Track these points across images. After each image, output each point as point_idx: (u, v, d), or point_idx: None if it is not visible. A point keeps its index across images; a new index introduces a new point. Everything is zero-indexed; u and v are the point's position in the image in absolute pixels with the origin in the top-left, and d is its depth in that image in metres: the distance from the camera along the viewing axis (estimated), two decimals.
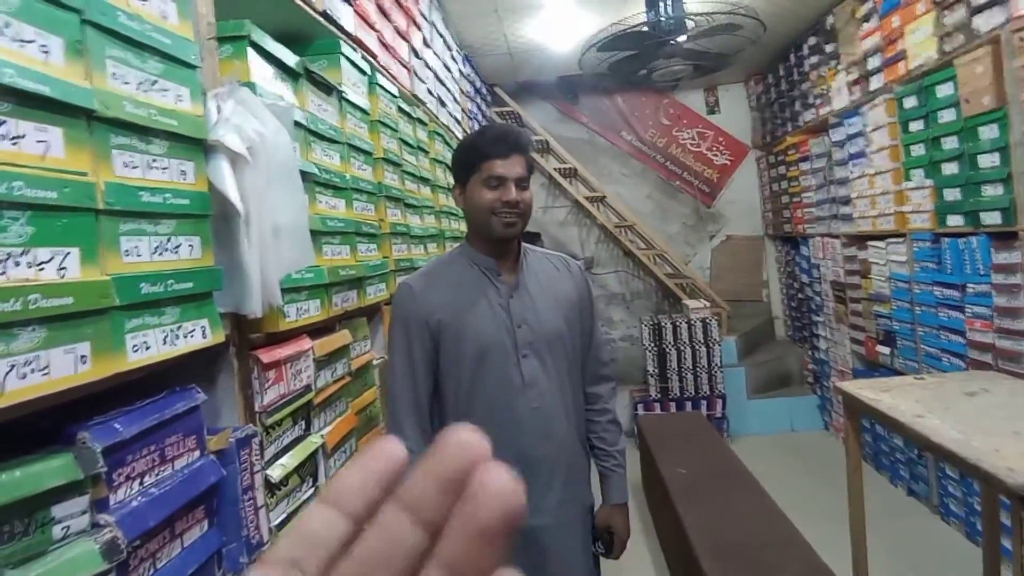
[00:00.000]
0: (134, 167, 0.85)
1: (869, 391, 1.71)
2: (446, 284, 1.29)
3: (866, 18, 3.29)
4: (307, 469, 1.22)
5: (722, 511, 2.28)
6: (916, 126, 2.88)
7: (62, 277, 0.70)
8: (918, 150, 2.88)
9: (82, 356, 0.71)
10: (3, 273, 0.62)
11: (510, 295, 1.29)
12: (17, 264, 0.64)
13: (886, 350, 3.32)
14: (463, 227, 2.96)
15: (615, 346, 5.32)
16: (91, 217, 0.75)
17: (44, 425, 0.71)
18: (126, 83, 0.84)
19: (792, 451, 4.02)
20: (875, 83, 3.25)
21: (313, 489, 1.24)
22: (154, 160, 0.88)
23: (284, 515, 1.12)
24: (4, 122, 0.65)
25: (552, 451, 1.28)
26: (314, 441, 1.25)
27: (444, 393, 1.27)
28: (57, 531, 0.66)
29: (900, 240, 3.10)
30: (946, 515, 2.87)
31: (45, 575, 0.62)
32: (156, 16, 0.92)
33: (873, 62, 3.24)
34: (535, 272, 1.35)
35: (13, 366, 0.62)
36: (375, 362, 1.68)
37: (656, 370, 4.33)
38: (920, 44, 2.79)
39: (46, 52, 0.71)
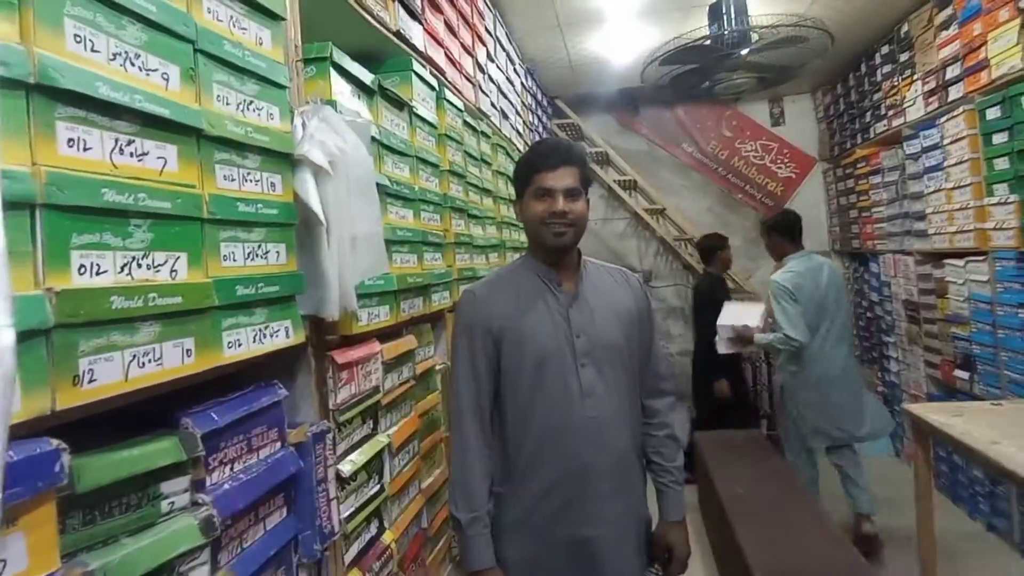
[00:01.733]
0: (232, 180, 0.93)
1: (940, 415, 1.63)
2: (508, 292, 1.33)
3: (944, 26, 3.15)
4: (374, 466, 1.29)
5: (782, 534, 2.21)
6: (1000, 138, 2.73)
7: (173, 278, 0.78)
8: (1002, 164, 2.72)
9: (187, 350, 0.79)
10: (129, 274, 0.71)
11: (569, 305, 1.32)
12: (139, 266, 0.73)
13: (965, 375, 3.13)
14: (523, 237, 3.01)
15: (673, 360, 5.23)
16: (197, 225, 0.84)
17: (148, 410, 0.79)
18: (228, 104, 0.93)
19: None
20: (954, 93, 3.11)
21: (379, 487, 1.30)
22: (249, 173, 0.97)
23: (352, 508, 1.18)
24: (133, 141, 0.74)
25: (608, 461, 1.29)
26: (381, 440, 1.31)
27: (504, 399, 1.30)
28: (164, 506, 0.74)
29: (981, 258, 2.93)
30: None
31: (154, 545, 0.69)
32: (253, 42, 1.01)
33: (952, 71, 3.10)
34: (594, 283, 1.37)
35: (135, 356, 0.70)
36: (438, 367, 1.74)
37: None
38: (1004, 52, 2.65)
39: (166, 79, 0.80)
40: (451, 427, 1.32)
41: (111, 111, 0.71)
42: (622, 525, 1.31)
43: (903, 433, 3.94)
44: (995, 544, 2.86)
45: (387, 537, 1.30)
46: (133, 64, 0.75)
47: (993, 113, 2.75)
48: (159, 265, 0.76)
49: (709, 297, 3.60)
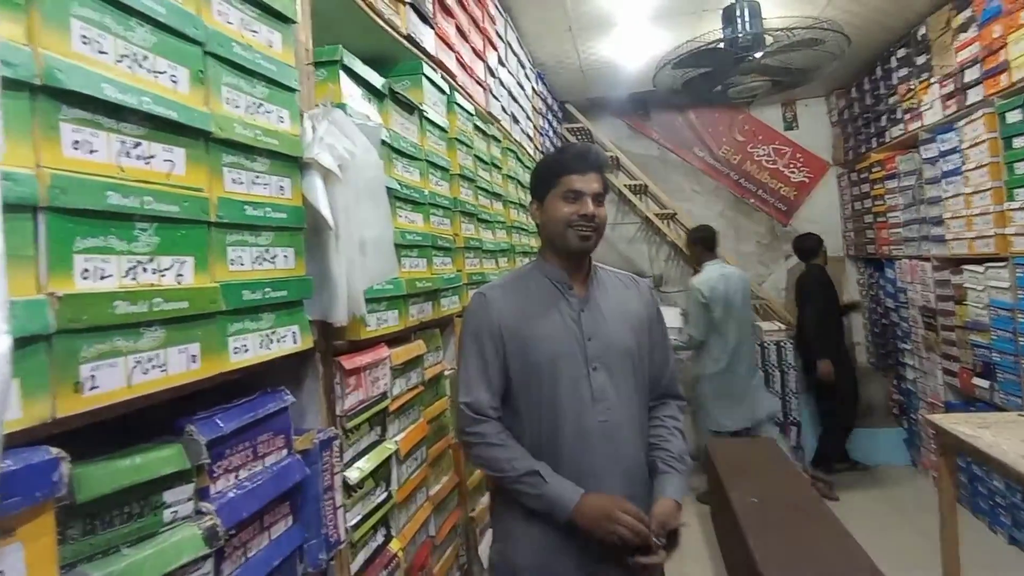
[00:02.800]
0: (240, 183, 0.92)
1: (966, 426, 1.58)
2: (519, 295, 1.32)
3: (963, 28, 3.10)
4: (381, 473, 1.27)
5: (797, 546, 2.16)
6: (1021, 142, 2.68)
7: (179, 283, 0.77)
8: (1022, 168, 2.67)
9: (193, 355, 0.78)
10: (134, 278, 0.69)
11: (581, 309, 1.31)
12: (145, 270, 0.71)
13: (984, 383, 3.07)
14: (533, 242, 2.99)
15: (684, 366, 5.18)
16: (204, 229, 0.82)
17: (150, 417, 0.78)
18: (237, 107, 0.92)
19: (874, 486, 3.77)
20: (973, 96, 3.05)
21: (386, 494, 1.28)
22: (257, 177, 0.96)
23: (359, 516, 1.17)
24: (140, 144, 0.73)
25: (617, 465, 1.28)
26: (389, 447, 1.30)
27: (514, 403, 1.29)
28: (167, 515, 0.72)
29: (1002, 264, 2.87)
30: None
31: (156, 555, 0.68)
32: (264, 45, 1.00)
33: (971, 74, 3.04)
34: (605, 288, 1.37)
35: (139, 362, 0.68)
36: (446, 372, 1.72)
37: None
38: None
39: (175, 81, 0.80)
40: (461, 426, 1.29)
41: (118, 113, 0.70)
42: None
43: (920, 442, 3.87)
44: (1019, 557, 2.79)
45: (394, 545, 1.28)
46: (141, 66, 0.75)
47: (1014, 116, 2.70)
48: (165, 269, 0.75)
49: (822, 282, 3.85)
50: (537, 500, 1.20)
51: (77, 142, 0.65)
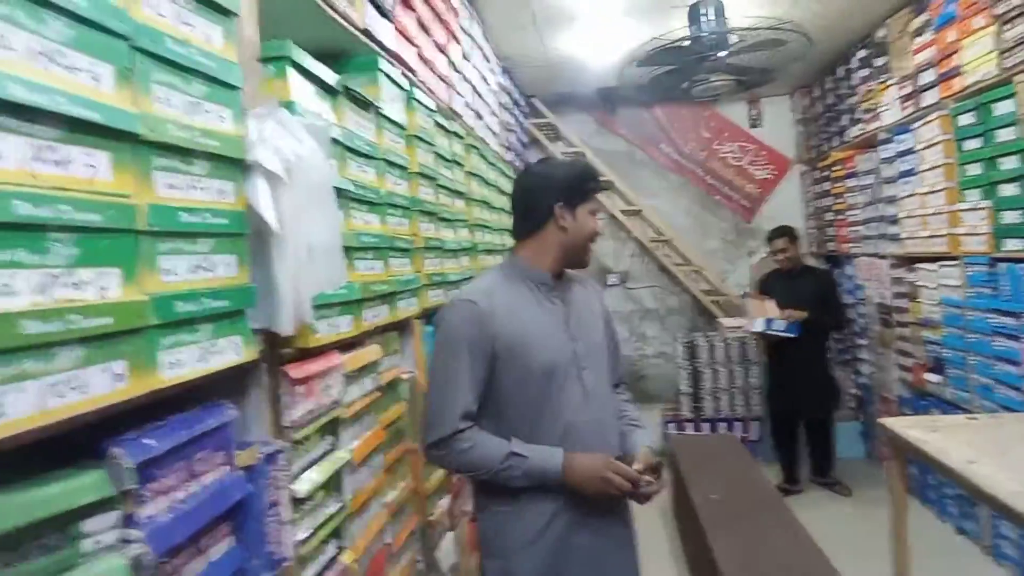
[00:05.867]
0: (176, 188, 0.87)
1: (916, 430, 1.62)
2: (509, 302, 1.31)
3: (919, 31, 3.18)
4: (333, 484, 1.23)
5: (754, 541, 2.20)
6: (972, 144, 2.75)
7: (103, 297, 0.72)
8: (974, 169, 2.75)
9: (118, 374, 0.73)
10: (47, 294, 0.64)
11: (567, 312, 1.36)
12: (61, 285, 0.66)
13: (935, 378, 3.17)
14: (496, 240, 2.96)
15: (648, 362, 5.24)
16: (132, 238, 0.77)
17: (78, 438, 0.73)
18: (171, 106, 0.87)
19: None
20: (928, 99, 3.13)
21: (339, 505, 1.25)
22: (195, 181, 0.91)
23: (309, 530, 1.13)
24: (55, 148, 0.67)
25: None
26: (341, 456, 1.26)
27: (512, 411, 1.29)
28: (87, 545, 0.68)
29: (953, 263, 2.96)
30: (999, 557, 2.71)
31: None
32: (201, 40, 0.95)
33: (927, 77, 3.12)
34: (575, 291, 1.43)
35: (53, 385, 0.63)
36: (404, 376, 1.69)
37: (690, 389, 4.24)
38: (978, 59, 2.67)
39: (96, 80, 0.74)
40: (437, 437, 1.27)
41: (28, 115, 0.64)
42: (623, 530, 1.38)
43: (876, 435, 3.99)
44: (965, 546, 2.90)
45: (346, 557, 1.24)
46: (56, 63, 0.69)
47: (966, 119, 2.78)
48: (85, 283, 0.70)
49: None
50: (526, 478, 1.24)
51: None
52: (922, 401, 3.34)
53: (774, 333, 3.43)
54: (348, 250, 1.32)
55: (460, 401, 1.25)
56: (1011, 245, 2.51)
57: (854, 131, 4.11)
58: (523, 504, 1.27)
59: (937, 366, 3.15)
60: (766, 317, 3.46)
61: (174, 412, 0.85)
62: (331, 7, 1.40)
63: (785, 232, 3.62)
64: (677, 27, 3.20)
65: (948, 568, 2.68)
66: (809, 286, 3.51)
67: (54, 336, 0.64)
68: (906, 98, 3.36)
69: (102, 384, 0.70)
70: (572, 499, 1.26)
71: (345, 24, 1.48)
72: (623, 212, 5.08)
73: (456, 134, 2.38)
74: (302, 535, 1.10)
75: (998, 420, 1.80)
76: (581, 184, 1.37)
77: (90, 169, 0.73)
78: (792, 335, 3.37)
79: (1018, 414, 2.28)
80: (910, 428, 1.65)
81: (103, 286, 0.72)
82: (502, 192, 3.15)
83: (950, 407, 2.99)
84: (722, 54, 3.14)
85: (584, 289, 1.46)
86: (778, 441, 3.72)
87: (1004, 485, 1.25)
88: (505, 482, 1.25)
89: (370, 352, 1.43)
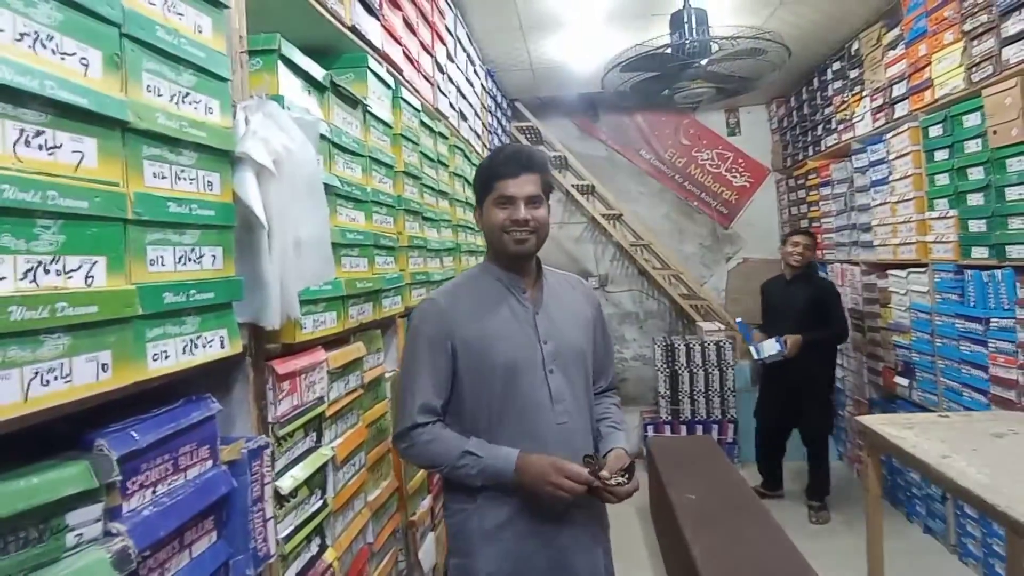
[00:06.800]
0: (163, 178, 0.86)
1: (892, 427, 1.67)
2: (472, 300, 1.31)
3: (892, 45, 3.27)
4: (316, 481, 1.22)
5: (732, 541, 2.23)
6: (941, 155, 2.85)
7: (89, 285, 0.71)
8: (942, 180, 2.84)
9: (103, 364, 0.71)
10: (33, 280, 0.63)
11: (535, 312, 1.32)
12: (47, 272, 0.65)
13: (904, 382, 3.26)
14: (480, 241, 2.97)
15: (627, 365, 5.28)
16: (119, 227, 0.76)
17: (61, 430, 0.71)
18: (160, 95, 0.86)
19: (804, 480, 3.94)
20: (900, 110, 3.23)
21: (321, 502, 1.24)
22: (183, 171, 0.90)
23: (292, 527, 1.12)
24: (42, 132, 0.66)
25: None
26: (325, 453, 1.25)
27: (468, 411, 1.28)
28: (70, 539, 0.66)
29: (922, 270, 3.05)
30: (964, 556, 2.79)
31: None
32: (191, 30, 0.94)
33: (898, 89, 3.22)
34: (554, 290, 1.39)
35: (37, 373, 0.62)
36: (387, 375, 1.68)
37: (668, 392, 4.29)
38: (947, 73, 2.76)
39: (85, 65, 0.73)
40: (401, 429, 1.28)
41: (15, 98, 0.63)
42: (591, 530, 1.33)
43: (847, 437, 4.07)
44: (932, 545, 2.98)
45: (329, 556, 1.23)
46: (45, 47, 0.68)
47: (935, 131, 2.87)
48: (72, 271, 0.69)
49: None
50: (480, 476, 1.23)
51: None
52: (891, 404, 3.43)
53: (766, 358, 3.42)
54: (334, 247, 1.31)
55: (419, 395, 1.26)
56: (977, 253, 2.60)
57: (829, 141, 4.21)
58: (482, 503, 1.26)
59: (906, 369, 3.24)
60: (755, 345, 3.46)
61: (158, 405, 0.84)
62: (319, 2, 1.40)
63: (805, 231, 3.67)
64: (659, 35, 3.25)
65: (917, 567, 2.75)
66: (804, 294, 3.48)
67: (39, 323, 0.62)
68: (878, 109, 3.46)
69: (87, 374, 0.69)
70: (530, 500, 1.24)
71: (332, 20, 1.48)
72: (603, 216, 5.12)
73: (441, 134, 2.38)
74: (285, 532, 1.09)
75: (968, 418, 1.86)
76: (481, 178, 1.33)
77: (77, 155, 0.71)
78: (779, 349, 3.35)
79: (987, 412, 2.36)
80: (885, 425, 1.70)
81: (90, 274, 0.71)
82: None
83: (918, 410, 3.08)
84: (703, 62, 3.19)
85: (572, 291, 1.42)
86: (763, 452, 3.71)
87: (975, 478, 1.30)
88: (463, 480, 1.24)
89: (354, 349, 1.42)
